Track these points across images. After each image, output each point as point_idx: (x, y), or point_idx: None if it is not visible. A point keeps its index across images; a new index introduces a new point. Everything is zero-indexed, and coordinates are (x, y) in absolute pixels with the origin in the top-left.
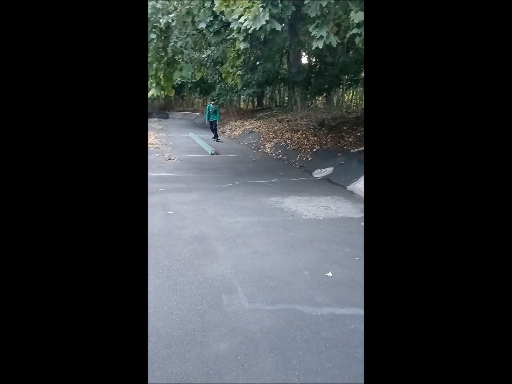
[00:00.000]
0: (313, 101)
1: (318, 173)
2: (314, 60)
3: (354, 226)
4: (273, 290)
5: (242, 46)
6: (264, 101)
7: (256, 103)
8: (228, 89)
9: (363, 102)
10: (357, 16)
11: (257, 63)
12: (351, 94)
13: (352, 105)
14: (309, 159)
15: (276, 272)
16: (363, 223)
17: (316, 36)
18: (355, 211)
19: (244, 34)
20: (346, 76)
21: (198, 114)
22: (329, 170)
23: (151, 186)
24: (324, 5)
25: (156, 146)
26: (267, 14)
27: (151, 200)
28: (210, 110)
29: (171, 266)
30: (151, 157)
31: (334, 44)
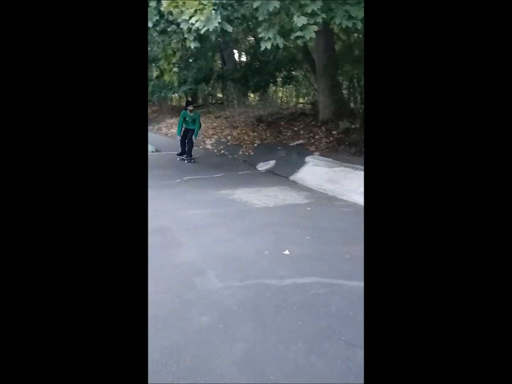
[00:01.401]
0: (249, 98)
1: (262, 166)
2: (249, 57)
3: (302, 211)
4: (240, 270)
5: (192, 45)
6: (199, 98)
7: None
8: (162, 86)
9: (295, 99)
10: (300, 20)
11: (190, 60)
12: (283, 91)
13: (286, 101)
14: (251, 153)
15: (239, 254)
16: (309, 208)
17: (264, 37)
18: (300, 198)
19: (195, 34)
20: (281, 73)
21: None
22: (272, 163)
23: None
24: (271, 9)
25: None
26: (219, 16)
27: None
28: (188, 119)
29: None
30: None
31: (281, 45)
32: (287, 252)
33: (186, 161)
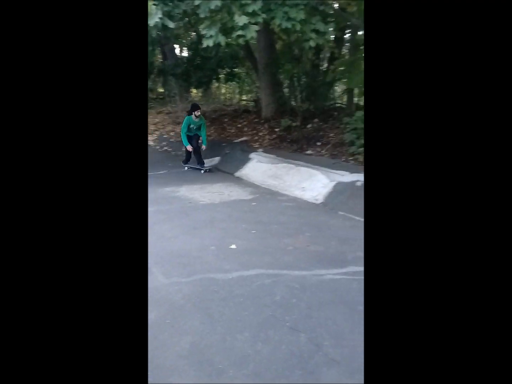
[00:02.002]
0: (191, 94)
1: (206, 163)
2: (191, 53)
3: (247, 206)
4: (186, 266)
5: None
6: None
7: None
8: None
9: (238, 96)
10: (241, 19)
11: None
12: (226, 88)
13: (229, 98)
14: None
15: (185, 251)
16: (253, 203)
17: (206, 35)
18: (245, 194)
19: None
20: (224, 70)
21: None
22: (216, 159)
23: None
24: (212, 7)
25: None
26: (160, 12)
27: None
28: (192, 126)
29: None
30: None
31: (223, 43)
32: (233, 246)
33: (203, 171)
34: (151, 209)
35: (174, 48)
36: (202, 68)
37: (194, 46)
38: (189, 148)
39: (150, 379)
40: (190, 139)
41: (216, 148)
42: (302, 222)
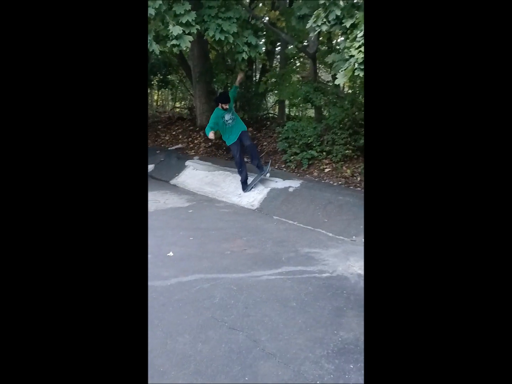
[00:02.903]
0: None
1: None
2: None
3: (184, 214)
4: None
5: None
6: None
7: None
8: None
9: (171, 103)
10: (175, 29)
11: None
12: (159, 95)
13: (161, 105)
14: None
15: None
16: (191, 211)
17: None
18: (181, 201)
19: None
20: (156, 77)
21: None
22: (150, 167)
23: None
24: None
25: None
26: None
27: None
28: (226, 120)
29: None
30: None
31: (157, 51)
32: (170, 253)
33: (262, 174)
34: None
35: None
36: None
37: None
38: (211, 135)
39: None
40: (231, 146)
41: (149, 155)
42: (239, 227)
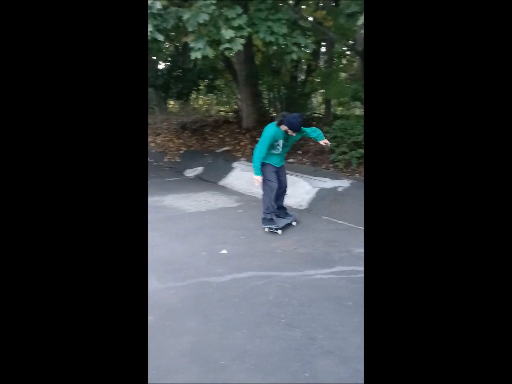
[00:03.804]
0: (169, 105)
1: (190, 173)
2: (170, 65)
3: (233, 213)
4: (179, 271)
5: None
6: None
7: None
8: None
9: (216, 107)
10: (228, 33)
11: None
12: (204, 99)
13: (207, 109)
14: (178, 160)
15: (176, 257)
16: (240, 210)
17: (195, 47)
18: (230, 202)
19: None
20: (203, 81)
21: None
22: (199, 169)
23: None
24: (200, 21)
25: None
26: (150, 26)
27: None
28: (283, 144)
29: None
30: None
31: (211, 56)
32: (224, 251)
33: (294, 223)
34: None
35: (152, 61)
36: (182, 80)
37: (174, 58)
38: (258, 179)
39: (153, 378)
40: (267, 167)
41: (198, 158)
42: (288, 227)
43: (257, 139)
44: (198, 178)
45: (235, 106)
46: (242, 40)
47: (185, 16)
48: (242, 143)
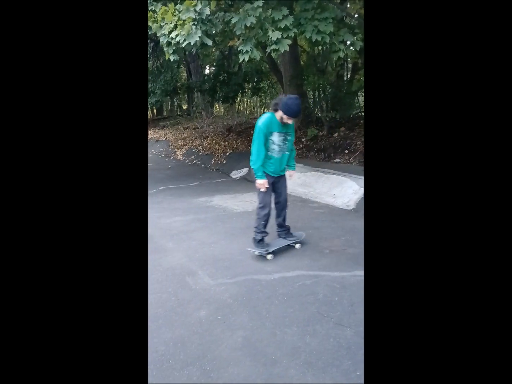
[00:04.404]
0: (215, 109)
1: (236, 174)
2: (216, 69)
3: None
4: (229, 268)
5: (172, 58)
6: (164, 110)
7: (156, 112)
8: None
9: (260, 109)
10: (275, 35)
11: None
12: (248, 102)
13: (251, 111)
14: (224, 162)
15: (226, 255)
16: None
17: (242, 50)
18: None
19: (174, 48)
20: (249, 84)
21: None
22: (245, 170)
23: None
24: (248, 24)
25: None
26: (200, 31)
27: None
28: (276, 141)
29: None
30: None
31: (258, 58)
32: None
33: (298, 245)
34: (188, 217)
35: (199, 66)
36: (228, 84)
37: (220, 63)
38: (263, 184)
39: (212, 369)
40: (272, 181)
41: (244, 159)
42: (336, 227)
43: (302, 139)
44: (244, 179)
45: None
46: (288, 41)
47: (233, 20)
48: None
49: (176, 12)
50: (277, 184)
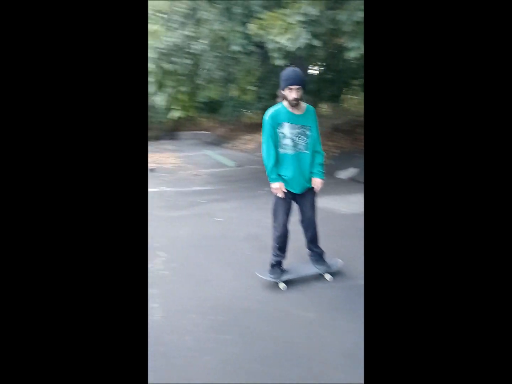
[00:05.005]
0: (322, 108)
1: (343, 175)
2: (322, 69)
3: None
4: (339, 270)
5: (279, 63)
6: None
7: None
8: (238, 105)
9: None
10: None
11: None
12: (355, 99)
13: (358, 109)
14: (331, 162)
15: (339, 257)
16: None
17: (350, 47)
18: None
19: (282, 53)
20: (355, 81)
21: (208, 133)
22: (353, 170)
23: (190, 199)
24: (356, 19)
25: (178, 164)
26: (309, 33)
27: (196, 210)
28: (286, 134)
29: (242, 259)
30: (178, 174)
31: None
32: None
33: (319, 271)
34: (295, 218)
35: (303, 66)
36: (334, 82)
37: (325, 62)
38: (279, 188)
39: (321, 371)
40: (287, 200)
41: (351, 159)
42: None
43: None
44: (352, 179)
45: None
46: None
47: (341, 17)
48: None
49: (283, 17)
50: (300, 199)
